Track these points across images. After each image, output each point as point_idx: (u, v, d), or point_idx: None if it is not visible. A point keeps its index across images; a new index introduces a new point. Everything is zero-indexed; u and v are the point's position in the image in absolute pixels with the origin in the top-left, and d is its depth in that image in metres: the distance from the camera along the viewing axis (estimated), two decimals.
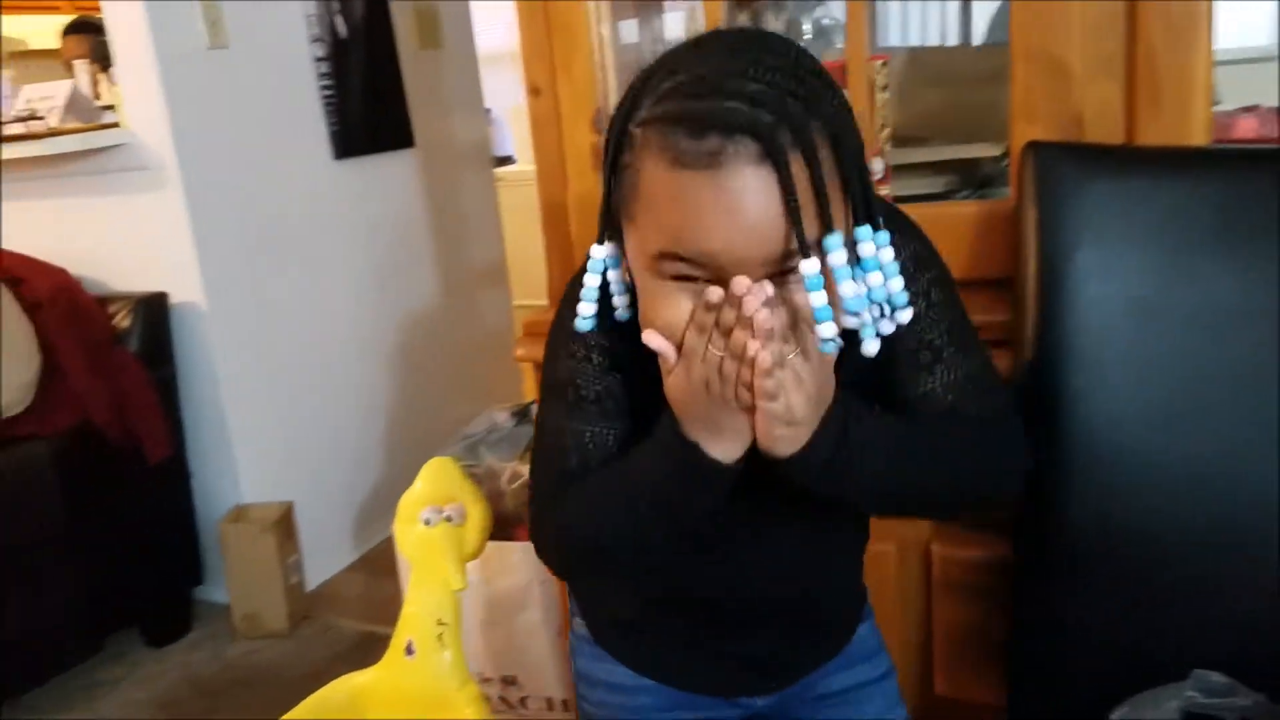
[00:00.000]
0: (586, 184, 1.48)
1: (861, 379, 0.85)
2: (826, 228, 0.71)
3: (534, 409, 1.78)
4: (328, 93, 2.86)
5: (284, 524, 2.59)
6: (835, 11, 1.87)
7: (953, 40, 1.76)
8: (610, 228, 0.82)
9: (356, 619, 2.64)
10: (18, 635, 2.23)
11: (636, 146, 0.75)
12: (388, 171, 3.11)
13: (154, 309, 2.54)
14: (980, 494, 0.92)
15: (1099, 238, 1.04)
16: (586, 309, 0.84)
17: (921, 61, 1.73)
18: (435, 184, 3.28)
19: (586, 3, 1.42)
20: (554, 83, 1.47)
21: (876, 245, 0.76)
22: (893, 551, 1.38)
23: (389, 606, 1.87)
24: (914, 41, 1.88)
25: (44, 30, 4.45)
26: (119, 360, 2.45)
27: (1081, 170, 1.05)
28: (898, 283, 0.78)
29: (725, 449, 0.79)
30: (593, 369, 0.90)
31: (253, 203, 2.68)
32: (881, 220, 0.78)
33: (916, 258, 0.89)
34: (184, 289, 2.57)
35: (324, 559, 2.87)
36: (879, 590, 1.39)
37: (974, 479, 0.90)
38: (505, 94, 4.51)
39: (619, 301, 0.86)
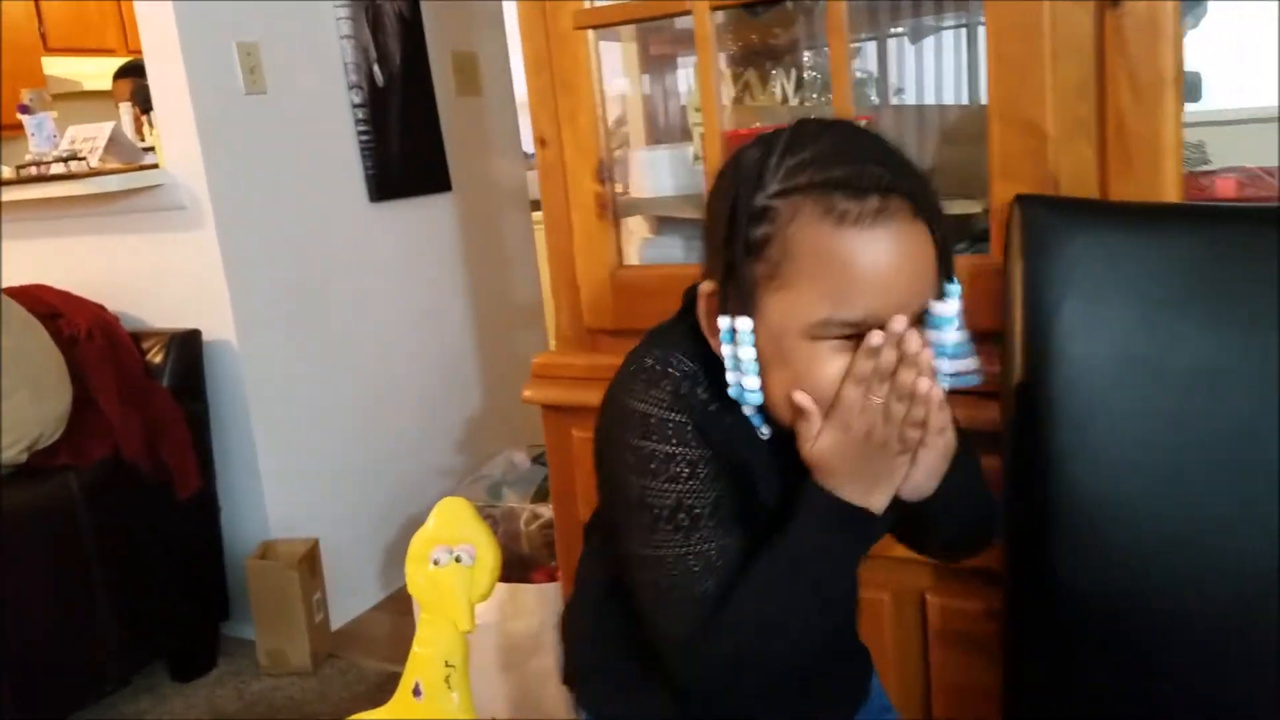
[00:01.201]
0: (591, 233, 1.51)
1: None
2: (947, 277, 0.81)
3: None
4: (365, 138, 2.93)
5: (309, 561, 2.62)
6: (869, 64, 1.90)
7: (964, 99, 1.77)
8: (740, 303, 0.82)
9: (380, 659, 2.65)
10: (47, 666, 2.27)
11: (780, 217, 0.79)
12: (425, 214, 3.17)
13: (187, 345, 2.59)
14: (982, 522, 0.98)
15: (1083, 292, 1.04)
16: (752, 382, 0.82)
17: (925, 119, 1.76)
18: (473, 226, 3.33)
19: (589, 59, 1.45)
20: (559, 135, 1.50)
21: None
22: (888, 600, 1.38)
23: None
24: (929, 100, 1.90)
25: (99, 73, 4.59)
26: (151, 394, 2.50)
27: (1066, 223, 1.06)
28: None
29: (879, 500, 0.83)
30: (699, 484, 0.86)
31: (287, 243, 2.74)
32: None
33: None
34: (217, 326, 2.62)
35: (351, 597, 2.89)
36: (875, 640, 1.39)
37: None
38: None
39: (752, 383, 0.83)
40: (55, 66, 4.71)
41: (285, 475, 2.75)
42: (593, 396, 1.48)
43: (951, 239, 0.83)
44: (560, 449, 1.60)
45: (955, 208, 1.43)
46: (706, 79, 1.35)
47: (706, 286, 0.86)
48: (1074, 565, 1.05)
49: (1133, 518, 1.02)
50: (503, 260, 3.49)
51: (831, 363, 0.80)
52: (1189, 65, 1.53)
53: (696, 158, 1.59)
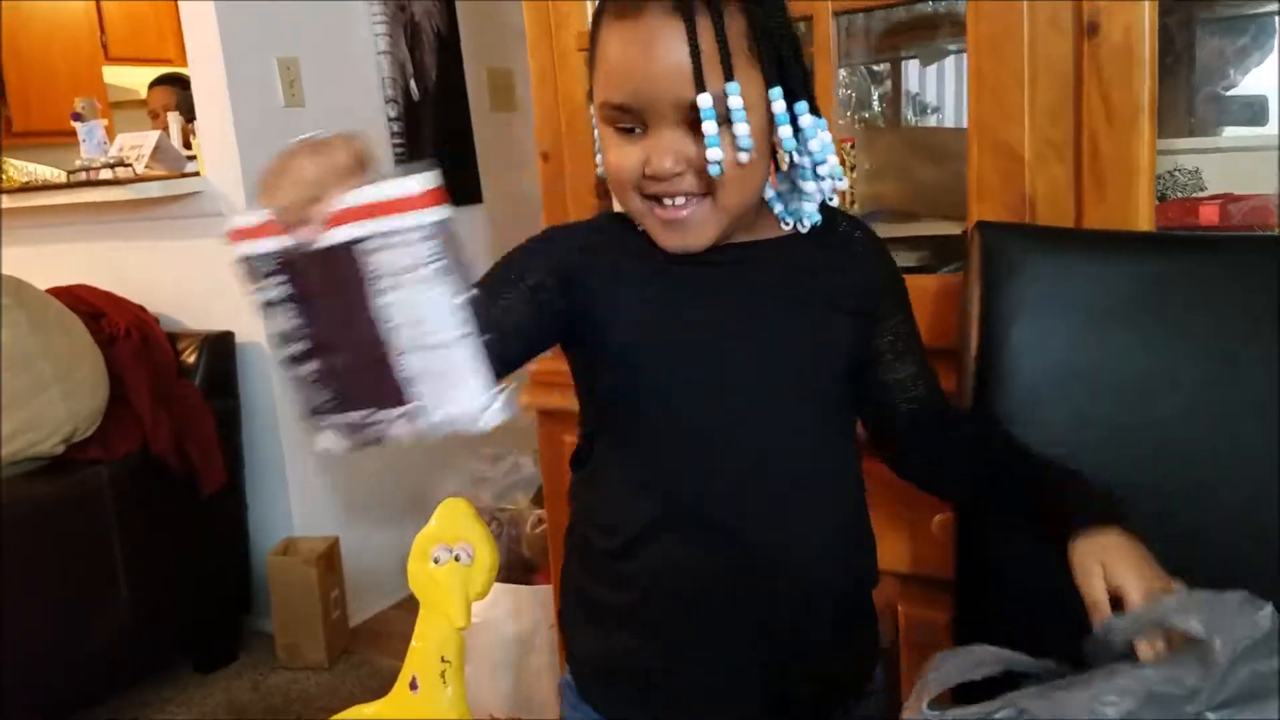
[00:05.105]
0: None
1: (851, 367, 0.98)
2: (727, 77, 0.83)
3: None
4: (399, 150, 3.01)
5: (329, 558, 2.69)
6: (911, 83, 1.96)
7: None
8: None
9: (395, 656, 2.66)
10: (72, 655, 2.34)
11: (598, 24, 0.89)
12: (455, 224, 3.23)
13: (220, 346, 2.69)
14: None
15: (1033, 312, 1.07)
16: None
17: (922, 141, 1.79)
18: (502, 238, 3.38)
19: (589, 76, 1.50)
20: (561, 149, 1.55)
21: (796, 111, 0.87)
22: None
23: None
24: (949, 122, 1.94)
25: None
26: (182, 392, 2.59)
27: (1021, 249, 1.09)
28: (827, 153, 0.90)
29: None
30: (529, 272, 0.93)
31: None
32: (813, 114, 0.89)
33: (896, 273, 1.03)
34: (250, 329, 2.71)
35: (372, 596, 2.96)
36: None
37: None
38: None
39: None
40: (115, 75, 4.88)
41: (310, 474, 2.83)
42: None
43: (772, 56, 0.86)
44: (552, 452, 1.65)
45: (938, 229, 1.46)
46: None
47: None
48: (1019, 568, 1.07)
49: None
50: None
51: (612, 148, 0.89)
52: (1256, 90, 1.55)
53: None
